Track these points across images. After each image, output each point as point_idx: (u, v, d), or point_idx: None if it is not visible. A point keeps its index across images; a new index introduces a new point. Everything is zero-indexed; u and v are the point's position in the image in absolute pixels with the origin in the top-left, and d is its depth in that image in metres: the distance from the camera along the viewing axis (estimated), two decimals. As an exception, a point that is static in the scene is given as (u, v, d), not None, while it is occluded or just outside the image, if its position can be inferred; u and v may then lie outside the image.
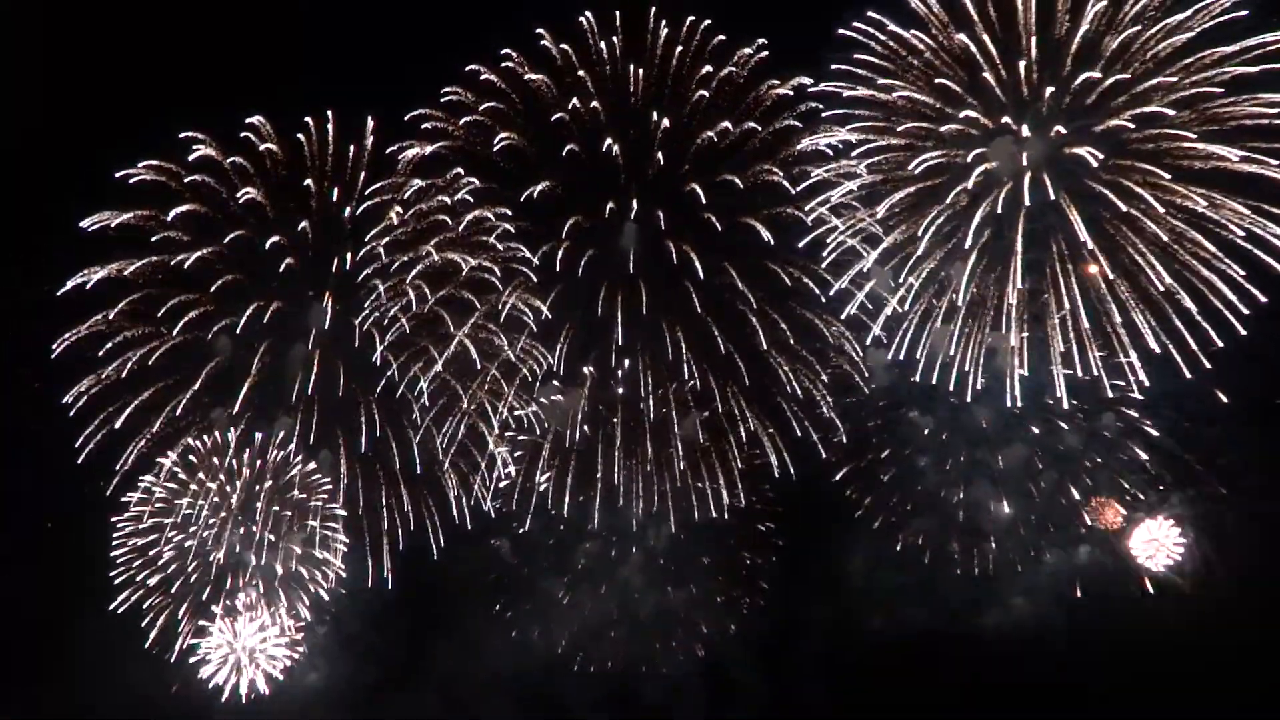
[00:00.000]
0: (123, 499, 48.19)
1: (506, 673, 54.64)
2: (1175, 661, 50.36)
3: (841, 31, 46.29)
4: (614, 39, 49.86)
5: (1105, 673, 53.07)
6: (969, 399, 48.71)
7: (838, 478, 54.11)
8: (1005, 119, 44.78)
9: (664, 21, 49.77)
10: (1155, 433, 50.40)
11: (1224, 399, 47.01)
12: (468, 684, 54.51)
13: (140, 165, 46.98)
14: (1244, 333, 43.52)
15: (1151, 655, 50.98)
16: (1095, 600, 52.69)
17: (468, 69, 49.21)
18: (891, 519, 54.98)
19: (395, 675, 54.11)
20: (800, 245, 48.07)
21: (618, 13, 49.77)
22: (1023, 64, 44.45)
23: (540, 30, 49.21)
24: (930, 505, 54.74)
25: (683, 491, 51.04)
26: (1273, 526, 49.55)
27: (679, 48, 49.66)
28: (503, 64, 49.43)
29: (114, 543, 48.16)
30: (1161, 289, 43.74)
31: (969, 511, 54.15)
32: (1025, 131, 44.24)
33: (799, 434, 50.83)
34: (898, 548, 54.79)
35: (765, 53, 49.40)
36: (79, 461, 47.27)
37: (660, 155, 49.12)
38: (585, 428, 50.43)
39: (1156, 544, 51.00)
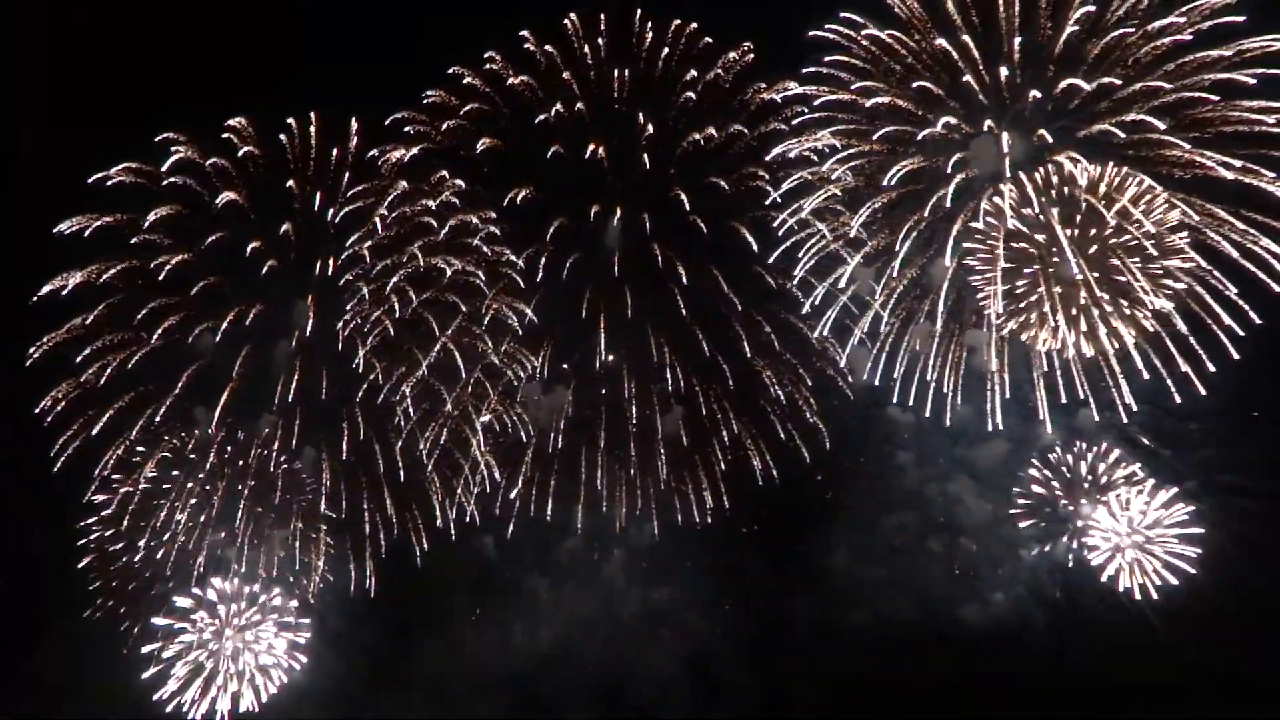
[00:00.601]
0: (91, 501, 46.24)
1: (493, 672, 52.85)
2: (1157, 657, 49.04)
3: (819, 34, 44.43)
4: (599, 41, 48.08)
5: (1086, 667, 51.83)
6: (947, 421, 47.56)
7: (820, 477, 52.53)
8: (988, 123, 43.01)
9: (650, 24, 48.07)
10: (1146, 442, 48.90)
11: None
12: (454, 684, 52.68)
13: (118, 168, 44.69)
14: (1237, 356, 41.80)
15: (1133, 650, 49.62)
16: (1075, 595, 51.42)
17: (451, 71, 47.38)
18: (874, 516, 53.53)
19: (380, 675, 52.23)
20: (783, 249, 46.28)
21: (603, 15, 48.00)
22: (1004, 67, 42.62)
23: (524, 33, 47.42)
24: (911, 502, 53.38)
25: (666, 495, 49.57)
26: (1252, 522, 48.23)
27: (665, 50, 47.93)
28: (486, 66, 47.63)
29: (86, 548, 46.22)
30: (1152, 309, 41.49)
31: (950, 508, 52.85)
32: (1006, 140, 42.40)
33: (783, 436, 49.54)
34: (879, 545, 53.38)
35: (751, 56, 47.79)
36: (55, 469, 45.21)
37: (645, 158, 47.39)
38: (569, 431, 48.86)
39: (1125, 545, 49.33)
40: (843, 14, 44.16)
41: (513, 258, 46.91)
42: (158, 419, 44.74)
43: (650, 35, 47.99)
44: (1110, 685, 50.65)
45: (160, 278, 44.57)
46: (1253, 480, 48.15)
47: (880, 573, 53.33)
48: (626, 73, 47.95)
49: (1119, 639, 49.12)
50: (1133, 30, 41.38)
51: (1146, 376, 42.81)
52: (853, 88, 44.29)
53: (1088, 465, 48.43)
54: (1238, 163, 39.89)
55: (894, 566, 53.19)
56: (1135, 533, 47.27)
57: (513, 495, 49.01)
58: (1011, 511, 50.23)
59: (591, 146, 46.85)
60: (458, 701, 52.46)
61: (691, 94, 47.73)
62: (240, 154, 45.85)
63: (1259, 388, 44.66)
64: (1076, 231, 41.83)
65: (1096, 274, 41.33)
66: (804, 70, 44.97)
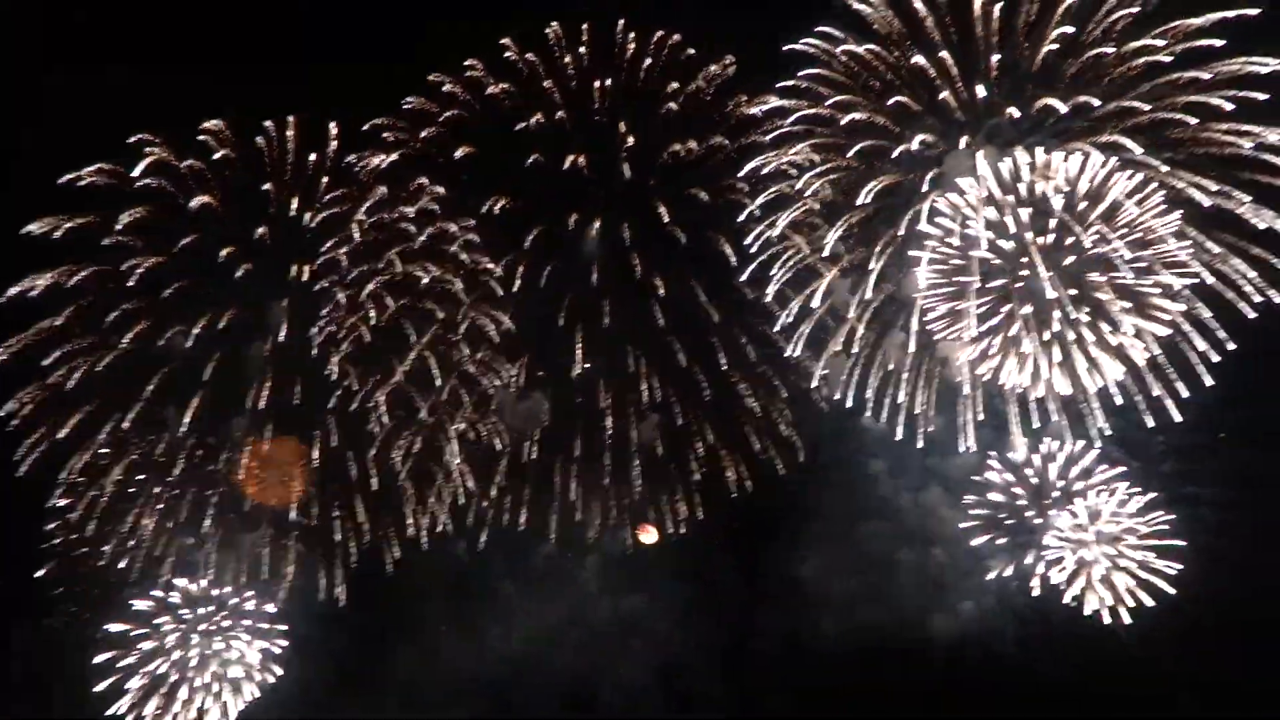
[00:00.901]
0: (56, 506, 44.31)
1: (464, 678, 51.43)
2: (1134, 668, 48.10)
3: (796, 47, 43.29)
4: (581, 50, 46.95)
5: (1061, 677, 50.76)
6: (920, 443, 45.92)
7: (794, 487, 51.31)
8: (964, 139, 41.93)
9: (632, 34, 46.96)
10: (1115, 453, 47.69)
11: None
12: (424, 689, 51.25)
13: (89, 169, 42.74)
14: (1211, 383, 40.23)
15: (1108, 662, 48.75)
16: (1045, 610, 50.40)
17: (431, 78, 46.15)
18: (846, 526, 52.46)
19: (351, 680, 50.58)
20: (759, 261, 44.89)
21: (585, 25, 46.87)
22: (981, 85, 41.50)
23: (506, 41, 46.22)
24: (884, 512, 52.35)
25: (640, 505, 48.46)
26: (1215, 534, 47.37)
27: (648, 60, 46.86)
28: (467, 73, 46.42)
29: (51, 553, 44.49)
30: (1130, 333, 38.67)
31: (922, 518, 51.80)
32: (981, 157, 40.80)
33: (757, 447, 48.51)
34: (852, 556, 52.30)
35: (733, 68, 46.83)
36: (19, 474, 43.17)
37: (626, 168, 46.30)
38: (544, 441, 47.56)
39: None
40: (820, 28, 43.09)
41: (491, 266, 45.75)
42: (126, 424, 43.10)
43: (633, 46, 46.93)
44: (1088, 695, 49.37)
45: (131, 281, 42.78)
46: (1212, 492, 47.26)
47: (852, 583, 52.41)
48: (608, 82, 46.85)
49: (1093, 651, 48.15)
50: (1111, 50, 40.56)
51: (1120, 401, 41.55)
52: (829, 103, 43.10)
53: (1057, 469, 46.13)
54: (1214, 186, 39.00)
55: (866, 577, 52.28)
56: (1103, 543, 44.72)
57: (485, 504, 47.76)
58: (963, 526, 47.67)
59: (571, 156, 45.72)
60: (429, 708, 51.05)
61: (673, 105, 46.67)
62: (216, 157, 44.18)
63: (1227, 406, 43.63)
64: (1051, 239, 38.81)
65: (1074, 291, 38.58)
66: (779, 85, 43.82)
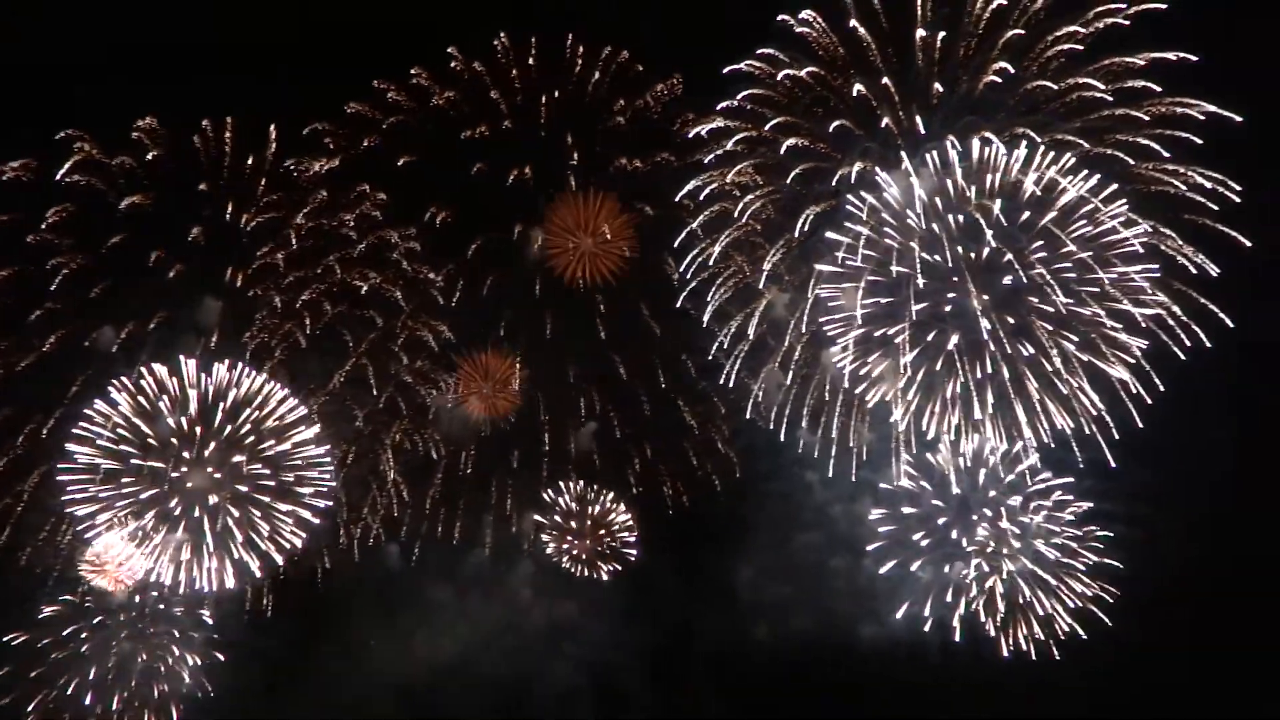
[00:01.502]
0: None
1: (393, 681, 48.80)
2: (1042, 678, 46.86)
3: (740, 67, 40.92)
4: (529, 63, 44.46)
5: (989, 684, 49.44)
6: (854, 477, 43.13)
7: (729, 498, 49.30)
8: (905, 164, 40.05)
9: (581, 49, 44.65)
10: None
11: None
12: (353, 692, 48.42)
13: (13, 164, 39.04)
14: (1141, 425, 37.14)
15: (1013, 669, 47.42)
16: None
17: (375, 84, 43.29)
18: (781, 536, 50.64)
19: (278, 683, 47.36)
20: (701, 279, 42.69)
21: (534, 38, 44.40)
22: (920, 113, 39.73)
23: (451, 50, 43.53)
24: (818, 522, 50.59)
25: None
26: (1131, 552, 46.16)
27: (596, 75, 44.64)
28: (413, 80, 43.66)
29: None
30: (1056, 368, 34.77)
31: (854, 527, 50.11)
32: (918, 184, 38.45)
33: (694, 462, 46.61)
34: (785, 564, 50.55)
35: (680, 87, 44.72)
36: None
37: (572, 181, 44.25)
38: (481, 451, 45.09)
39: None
40: (762, 50, 40.83)
41: (432, 275, 43.26)
42: (44, 433, 39.48)
43: (581, 60, 44.69)
44: (1012, 695, 47.86)
45: (55, 282, 39.35)
46: (1123, 508, 45.89)
47: (785, 591, 50.70)
48: (556, 95, 44.58)
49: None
50: (1048, 84, 38.91)
51: (1052, 445, 38.76)
52: (769, 126, 40.76)
53: (984, 475, 41.39)
54: (1147, 225, 37.15)
55: (798, 585, 50.58)
56: (1032, 563, 40.83)
57: (423, 514, 45.13)
58: (870, 548, 43.34)
59: (516, 168, 43.57)
60: (357, 709, 48.17)
61: (620, 119, 44.58)
62: (149, 156, 40.75)
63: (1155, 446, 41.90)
64: (985, 255, 33.78)
65: (1012, 320, 34.06)
66: (721, 106, 41.43)
